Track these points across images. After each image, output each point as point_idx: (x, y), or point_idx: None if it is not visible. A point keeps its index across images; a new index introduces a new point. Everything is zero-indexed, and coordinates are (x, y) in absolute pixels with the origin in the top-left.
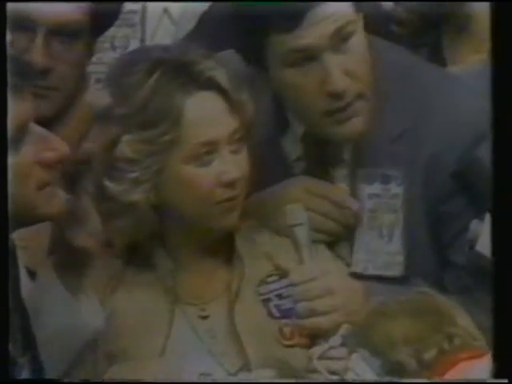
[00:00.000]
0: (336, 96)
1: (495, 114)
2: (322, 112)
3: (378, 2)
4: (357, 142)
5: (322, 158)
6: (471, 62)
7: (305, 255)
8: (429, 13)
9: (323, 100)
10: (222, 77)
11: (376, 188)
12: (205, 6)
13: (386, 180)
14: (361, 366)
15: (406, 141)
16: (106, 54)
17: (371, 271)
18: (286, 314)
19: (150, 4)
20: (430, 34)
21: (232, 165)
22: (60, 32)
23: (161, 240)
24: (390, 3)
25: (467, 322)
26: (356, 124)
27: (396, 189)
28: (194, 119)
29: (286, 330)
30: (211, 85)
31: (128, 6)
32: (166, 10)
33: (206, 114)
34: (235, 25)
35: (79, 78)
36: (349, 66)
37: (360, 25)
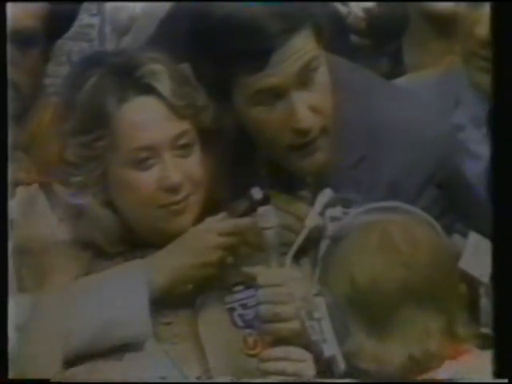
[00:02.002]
0: (302, 133)
1: (495, 113)
2: (286, 147)
3: (334, 10)
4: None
5: (286, 179)
6: (434, 66)
7: (272, 259)
8: (389, 21)
9: (288, 135)
10: (162, 82)
11: (338, 211)
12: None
13: (347, 204)
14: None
15: (367, 166)
16: (63, 68)
17: None
18: (249, 323)
19: (108, 17)
20: (390, 42)
21: (174, 169)
22: (16, 38)
23: (125, 240)
24: (346, 10)
25: None
26: (319, 158)
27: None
28: (130, 124)
29: (250, 340)
30: (150, 90)
31: (85, 19)
32: (123, 24)
33: (143, 120)
34: (200, 63)
35: (35, 86)
36: (314, 102)
37: (323, 58)
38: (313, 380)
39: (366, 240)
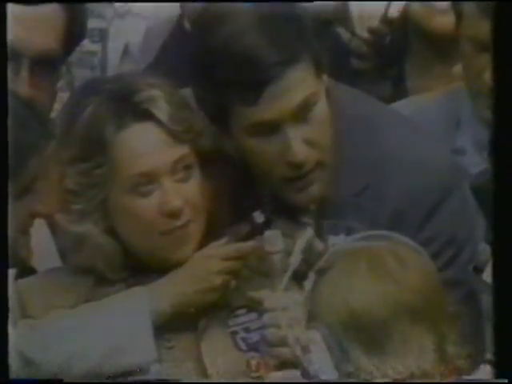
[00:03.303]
0: (296, 166)
1: (496, 113)
2: (281, 179)
3: (337, 36)
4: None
5: (288, 205)
6: (437, 88)
7: (279, 283)
8: (391, 44)
9: (283, 168)
10: (159, 108)
11: (341, 239)
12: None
13: (350, 232)
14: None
15: (370, 194)
16: (64, 94)
17: None
18: (252, 347)
19: (110, 44)
20: (391, 66)
21: (174, 194)
22: (42, 61)
23: (127, 266)
24: (348, 34)
25: None
26: (314, 191)
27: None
28: (129, 151)
29: (253, 363)
30: (148, 116)
31: (87, 46)
32: (125, 51)
33: (141, 146)
34: (199, 89)
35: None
36: (310, 136)
37: (323, 91)
38: (313, 380)
39: (355, 265)
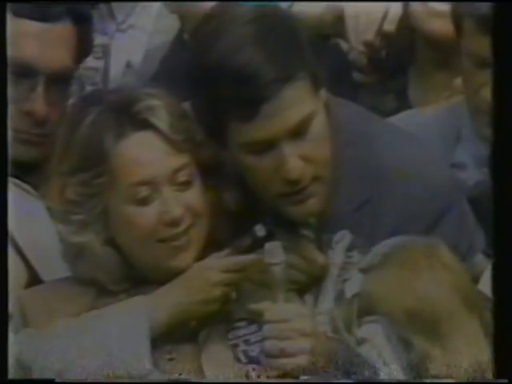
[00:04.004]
0: (292, 182)
1: (496, 113)
2: (278, 194)
3: (338, 48)
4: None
5: (288, 218)
6: (440, 100)
7: (279, 295)
8: (392, 56)
9: (278, 184)
10: (159, 117)
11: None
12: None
13: (349, 247)
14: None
15: (369, 210)
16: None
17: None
18: (252, 359)
19: (112, 60)
20: (392, 78)
21: (174, 203)
22: (58, 80)
23: (128, 277)
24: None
25: None
26: (312, 205)
27: (357, 257)
28: (128, 160)
29: (253, 375)
30: (148, 125)
31: (90, 63)
32: (128, 65)
33: (141, 155)
34: (198, 102)
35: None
36: (306, 151)
37: (321, 107)
38: (313, 380)
39: (412, 258)
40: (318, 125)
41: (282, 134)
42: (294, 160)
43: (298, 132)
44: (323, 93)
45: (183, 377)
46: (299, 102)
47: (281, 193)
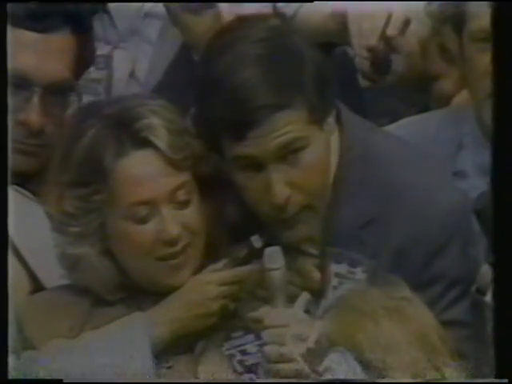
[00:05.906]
0: (277, 207)
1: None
2: (268, 216)
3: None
4: (327, 222)
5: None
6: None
7: (279, 300)
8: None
9: (266, 206)
10: (159, 136)
11: (343, 268)
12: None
13: (353, 263)
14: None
15: (375, 229)
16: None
17: None
18: (249, 369)
19: (115, 70)
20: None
21: (172, 222)
22: (55, 91)
23: (124, 287)
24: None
25: None
26: (300, 231)
27: (360, 274)
28: (128, 179)
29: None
30: (148, 144)
31: (92, 74)
32: (131, 75)
33: (140, 174)
34: (196, 116)
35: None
36: (295, 179)
37: (320, 135)
38: (313, 380)
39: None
40: (312, 155)
41: (269, 155)
42: (280, 185)
43: (285, 156)
44: (331, 122)
45: None
46: (288, 128)
47: (270, 216)
